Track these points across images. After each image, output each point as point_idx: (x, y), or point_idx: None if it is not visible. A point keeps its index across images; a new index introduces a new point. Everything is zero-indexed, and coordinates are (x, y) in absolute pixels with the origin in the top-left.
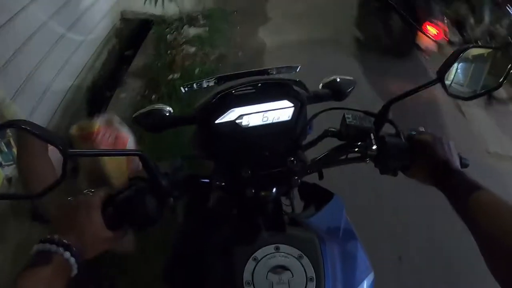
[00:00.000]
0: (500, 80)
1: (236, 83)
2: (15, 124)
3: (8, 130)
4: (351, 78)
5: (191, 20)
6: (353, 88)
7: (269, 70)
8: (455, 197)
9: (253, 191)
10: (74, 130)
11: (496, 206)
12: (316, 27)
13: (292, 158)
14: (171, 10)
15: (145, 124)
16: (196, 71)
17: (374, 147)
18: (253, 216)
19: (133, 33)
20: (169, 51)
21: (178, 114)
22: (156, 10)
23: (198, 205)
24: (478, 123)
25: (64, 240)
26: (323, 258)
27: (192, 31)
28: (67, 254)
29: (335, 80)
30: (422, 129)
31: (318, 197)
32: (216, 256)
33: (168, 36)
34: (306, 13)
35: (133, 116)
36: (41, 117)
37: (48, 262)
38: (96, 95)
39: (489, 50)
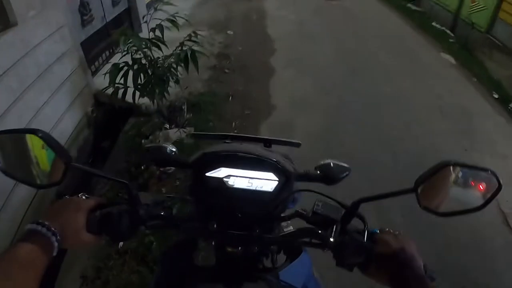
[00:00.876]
0: (482, 203)
1: (227, 149)
2: (35, 132)
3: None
4: (347, 165)
5: (173, 111)
6: (347, 175)
7: (272, 140)
8: None
9: (213, 242)
10: None
11: None
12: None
13: (257, 228)
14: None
15: (153, 156)
16: (174, 210)
17: (332, 239)
18: (220, 269)
19: (109, 120)
20: (142, 167)
21: (180, 156)
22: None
23: (179, 254)
24: None
25: (52, 227)
26: None
27: (173, 134)
28: (52, 238)
29: (329, 164)
30: (388, 229)
31: (293, 252)
32: None
33: (143, 141)
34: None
35: (146, 146)
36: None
37: (37, 239)
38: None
39: (475, 170)
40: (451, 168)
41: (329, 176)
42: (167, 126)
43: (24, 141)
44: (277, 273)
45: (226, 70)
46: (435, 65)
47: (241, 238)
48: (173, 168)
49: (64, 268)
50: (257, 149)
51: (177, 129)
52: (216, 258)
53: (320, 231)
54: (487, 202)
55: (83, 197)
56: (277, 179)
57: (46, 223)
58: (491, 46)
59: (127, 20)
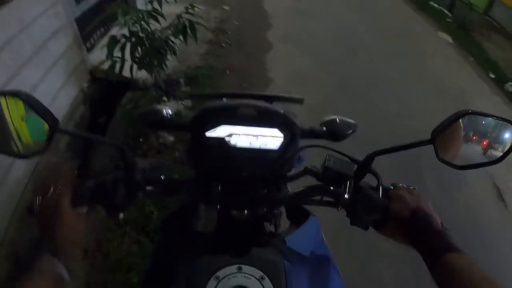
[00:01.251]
0: (501, 156)
1: (227, 105)
2: (15, 93)
3: None
4: (353, 121)
5: (171, 85)
6: (353, 132)
7: (274, 96)
8: (429, 255)
9: (218, 206)
10: None
11: (468, 271)
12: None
13: (266, 188)
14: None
15: (147, 121)
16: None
17: (346, 196)
18: (224, 234)
19: (105, 96)
20: (141, 139)
21: (176, 118)
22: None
23: (179, 221)
24: None
25: (61, 261)
26: (286, 280)
27: (171, 107)
28: (60, 269)
29: (335, 120)
30: (402, 185)
31: (300, 217)
32: (184, 272)
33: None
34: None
35: (138, 112)
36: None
37: (47, 278)
38: None
39: (494, 119)
40: (469, 117)
41: (335, 132)
42: (165, 99)
43: (4, 105)
44: (283, 238)
45: (223, 45)
46: (432, 44)
47: (248, 200)
48: (172, 138)
49: None
50: (260, 103)
51: (175, 102)
52: (218, 223)
53: (332, 188)
54: (505, 154)
55: (58, 190)
56: (282, 135)
57: (55, 260)
58: (488, 27)
59: None
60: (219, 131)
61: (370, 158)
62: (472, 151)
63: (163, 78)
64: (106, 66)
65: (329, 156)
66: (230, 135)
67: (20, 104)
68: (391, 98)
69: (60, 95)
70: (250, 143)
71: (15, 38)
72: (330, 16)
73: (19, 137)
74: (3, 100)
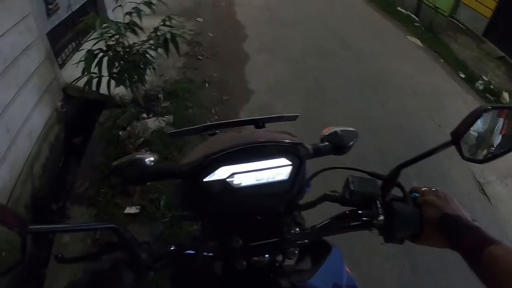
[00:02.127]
0: None
1: (228, 145)
2: None
3: None
4: (353, 129)
5: (149, 101)
6: (355, 141)
7: (267, 119)
8: (470, 254)
9: (244, 263)
10: None
11: None
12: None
13: (287, 228)
14: (124, 88)
15: (125, 176)
16: (162, 202)
17: (381, 217)
18: (244, 283)
19: (80, 114)
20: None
21: (163, 165)
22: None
23: (184, 276)
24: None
25: None
26: None
27: (152, 123)
28: None
29: (335, 132)
30: (425, 188)
31: (313, 247)
32: None
33: (120, 133)
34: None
35: (113, 164)
36: None
37: None
38: (39, 210)
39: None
40: (487, 113)
41: (338, 145)
42: (145, 115)
43: None
44: (306, 279)
45: (200, 57)
46: (403, 47)
47: (273, 246)
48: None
49: None
50: (257, 133)
51: (155, 118)
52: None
53: (362, 211)
54: None
55: None
56: (290, 163)
57: None
58: (455, 29)
59: (93, 10)
60: (219, 174)
61: (396, 171)
62: (493, 143)
63: (142, 93)
64: (80, 83)
65: (352, 179)
66: (232, 175)
67: None
68: (369, 101)
69: (33, 115)
70: (257, 179)
71: None
72: (301, 24)
73: None
74: None
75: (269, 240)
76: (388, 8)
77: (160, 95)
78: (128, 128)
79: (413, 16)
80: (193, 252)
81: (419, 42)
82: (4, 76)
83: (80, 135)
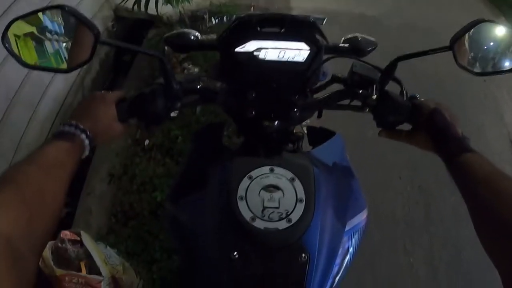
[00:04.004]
0: None
1: (258, 16)
2: (61, 7)
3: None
4: (373, 39)
5: (195, 21)
6: (374, 48)
7: (297, 16)
8: (448, 157)
9: (253, 112)
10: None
11: (487, 169)
12: None
13: (296, 94)
14: (171, 8)
15: (174, 44)
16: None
17: (374, 96)
18: (255, 141)
19: (129, 34)
20: None
21: (204, 38)
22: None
23: (209, 138)
24: None
25: (81, 126)
26: (315, 184)
27: None
28: (83, 136)
29: (356, 37)
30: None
31: (324, 140)
32: (217, 173)
33: (166, 48)
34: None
35: (165, 36)
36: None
37: (67, 139)
38: None
39: (509, 29)
40: (485, 25)
41: (357, 48)
42: None
43: (48, 21)
44: (309, 151)
45: None
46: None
47: (281, 104)
48: (196, 69)
49: (92, 169)
50: (287, 14)
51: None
52: (245, 137)
53: (360, 91)
54: None
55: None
56: (308, 48)
57: (74, 122)
58: None
59: None
60: (248, 47)
61: (393, 63)
62: (488, 58)
63: (188, 14)
64: (129, 4)
65: (355, 63)
66: (258, 50)
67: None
68: (417, 45)
69: None
70: (278, 56)
71: None
72: None
73: (62, 52)
74: (47, 15)
75: (278, 99)
76: None
77: (206, 16)
78: None
79: None
80: (215, 94)
81: None
82: None
83: (129, 53)
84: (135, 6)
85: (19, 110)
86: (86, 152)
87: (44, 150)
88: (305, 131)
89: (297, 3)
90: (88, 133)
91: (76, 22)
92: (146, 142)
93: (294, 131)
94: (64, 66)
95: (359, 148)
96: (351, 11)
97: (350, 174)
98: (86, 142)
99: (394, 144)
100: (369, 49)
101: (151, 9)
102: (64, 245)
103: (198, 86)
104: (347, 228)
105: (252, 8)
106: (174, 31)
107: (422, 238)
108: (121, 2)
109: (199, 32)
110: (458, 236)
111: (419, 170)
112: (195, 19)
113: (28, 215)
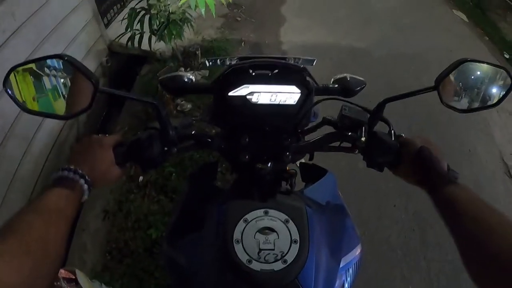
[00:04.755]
0: (497, 100)
1: (251, 62)
2: (61, 56)
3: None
4: (362, 79)
5: (187, 57)
6: (363, 88)
7: (286, 58)
8: (433, 192)
9: (246, 156)
10: None
11: (472, 202)
12: None
13: (288, 138)
14: (164, 45)
15: (169, 87)
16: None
17: (363, 138)
18: (250, 184)
19: (123, 69)
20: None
21: (198, 81)
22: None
23: (204, 179)
24: None
25: (79, 170)
26: (308, 224)
27: None
28: (82, 181)
29: (345, 78)
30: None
31: (316, 176)
32: (213, 216)
33: (159, 88)
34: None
35: (159, 78)
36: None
37: (67, 185)
38: None
39: (490, 66)
40: (468, 64)
41: (346, 88)
42: (182, 69)
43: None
44: (302, 191)
45: (238, 18)
46: (447, 21)
47: (274, 148)
48: (190, 106)
49: (86, 205)
50: (278, 61)
51: (192, 72)
52: (239, 178)
53: (350, 134)
54: (501, 99)
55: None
56: (299, 91)
57: (72, 167)
58: (505, 7)
59: None
60: (241, 91)
61: (381, 105)
62: (473, 96)
63: (180, 50)
64: (124, 40)
65: (345, 106)
66: (251, 94)
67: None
68: (404, 72)
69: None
70: (270, 100)
71: (37, 14)
72: None
73: (59, 88)
74: (47, 64)
75: (270, 143)
76: None
77: (198, 52)
78: None
79: None
80: (209, 140)
81: (464, 17)
82: (55, 32)
83: (123, 87)
84: (129, 42)
85: (14, 143)
86: (85, 196)
87: (45, 198)
88: (298, 168)
89: (287, 37)
90: (87, 177)
91: (74, 71)
92: (140, 178)
93: (288, 168)
94: (61, 104)
95: (351, 179)
96: (339, 43)
97: (343, 212)
98: (85, 187)
99: (386, 173)
100: (358, 88)
101: (145, 45)
102: (59, 283)
103: (193, 132)
104: (341, 265)
105: (243, 43)
106: (169, 74)
107: (419, 264)
108: (116, 38)
109: (191, 68)
110: (455, 259)
111: (413, 197)
112: (187, 55)
113: (31, 264)
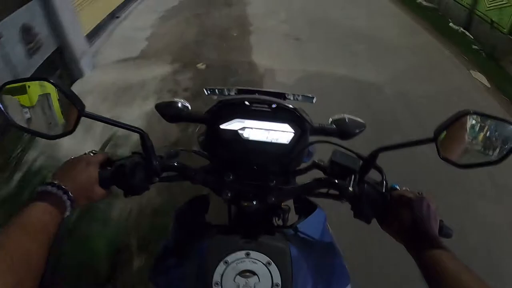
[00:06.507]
0: (500, 157)
1: (243, 97)
2: (47, 79)
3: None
4: (362, 121)
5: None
6: (362, 131)
7: (286, 94)
8: (416, 254)
9: (229, 194)
10: None
11: (453, 267)
12: None
13: (274, 180)
14: None
15: (164, 114)
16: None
17: (351, 189)
18: (236, 220)
19: None
20: None
21: (193, 110)
22: None
23: (192, 212)
24: None
25: (63, 186)
26: (292, 266)
27: None
28: (64, 197)
29: (344, 119)
30: (406, 188)
31: (309, 210)
32: (195, 255)
33: None
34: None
35: (156, 104)
36: None
37: (50, 200)
38: None
39: (495, 120)
40: (470, 117)
41: (344, 130)
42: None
43: (34, 91)
44: (295, 226)
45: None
46: (469, 89)
47: (258, 189)
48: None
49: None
50: (274, 99)
51: None
52: (229, 215)
53: (337, 181)
54: (505, 156)
55: (91, 154)
56: (293, 131)
57: (56, 182)
58: None
59: (60, 65)
60: (234, 125)
61: (374, 154)
62: (474, 150)
63: None
64: None
65: (336, 151)
66: (243, 129)
67: (53, 89)
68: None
69: None
70: (262, 137)
71: None
72: (343, 64)
73: (50, 116)
74: (34, 85)
75: (257, 183)
76: (439, 25)
77: None
78: None
79: (467, 34)
80: (193, 173)
81: (485, 81)
82: None
83: None
84: None
85: None
86: (67, 213)
87: (29, 213)
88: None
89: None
90: (70, 194)
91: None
92: None
93: (282, 205)
94: (49, 132)
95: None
96: (307, 69)
97: (332, 249)
98: (68, 203)
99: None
100: (357, 131)
101: None
102: None
103: (176, 164)
104: None
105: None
106: (166, 100)
107: None
108: None
109: None
110: None
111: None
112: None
113: (16, 280)
